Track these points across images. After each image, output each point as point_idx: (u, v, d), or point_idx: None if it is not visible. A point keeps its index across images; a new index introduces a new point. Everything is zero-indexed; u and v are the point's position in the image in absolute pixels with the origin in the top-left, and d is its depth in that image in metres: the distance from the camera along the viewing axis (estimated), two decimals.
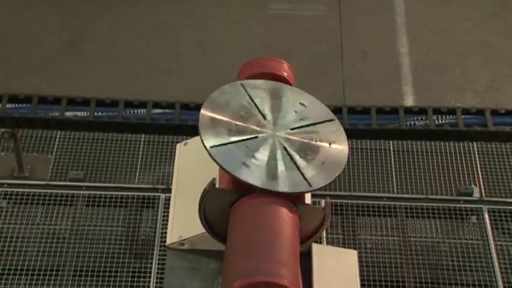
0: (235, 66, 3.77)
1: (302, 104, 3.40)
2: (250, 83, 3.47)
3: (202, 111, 3.31)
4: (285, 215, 3.09)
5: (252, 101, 3.39)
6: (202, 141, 3.21)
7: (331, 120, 3.36)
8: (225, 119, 3.29)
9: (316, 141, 3.23)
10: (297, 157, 3.17)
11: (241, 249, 3.02)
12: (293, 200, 3.16)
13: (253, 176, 3.08)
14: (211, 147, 3.18)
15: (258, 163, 3.14)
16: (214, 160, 3.14)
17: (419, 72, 7.23)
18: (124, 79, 6.94)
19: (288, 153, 3.19)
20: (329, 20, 7.71)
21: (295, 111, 3.35)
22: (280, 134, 3.26)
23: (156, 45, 7.45)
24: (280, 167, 3.14)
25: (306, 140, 3.24)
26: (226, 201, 3.17)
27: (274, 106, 3.38)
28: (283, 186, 3.07)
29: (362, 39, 7.50)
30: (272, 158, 3.18)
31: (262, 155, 3.18)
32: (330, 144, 3.23)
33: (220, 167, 3.14)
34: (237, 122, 3.30)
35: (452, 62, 7.31)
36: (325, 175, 3.13)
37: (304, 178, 3.10)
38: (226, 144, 3.21)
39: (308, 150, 3.19)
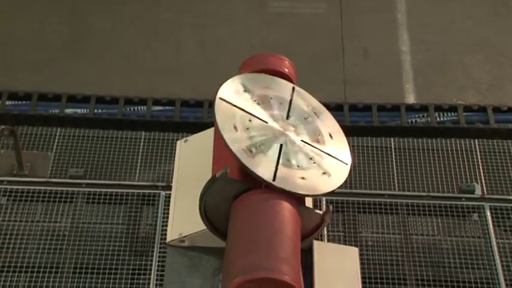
0: (236, 64, 3.76)
1: (330, 135, 3.37)
2: (302, 92, 3.48)
3: (242, 75, 3.37)
4: (287, 212, 3.07)
5: (290, 102, 3.38)
6: (220, 89, 3.23)
7: (345, 163, 3.30)
8: (253, 92, 3.30)
9: (314, 162, 3.21)
10: (284, 156, 3.14)
11: (242, 245, 3.00)
12: (296, 199, 3.14)
13: (234, 141, 3.07)
14: (220, 98, 3.19)
15: (246, 136, 3.13)
16: (214, 110, 3.15)
17: (421, 70, 7.21)
18: (124, 77, 6.93)
19: (280, 149, 3.16)
20: (330, 18, 7.69)
21: (319, 135, 3.32)
22: (288, 134, 3.24)
23: (156, 44, 7.43)
24: (263, 151, 3.11)
25: (306, 154, 3.20)
26: (232, 192, 3.13)
27: (304, 120, 3.36)
28: (252, 164, 3.04)
29: (363, 37, 7.48)
30: (262, 141, 3.16)
31: (257, 133, 3.16)
32: (324, 173, 3.20)
33: (214, 118, 3.13)
34: (260, 102, 3.30)
35: (453, 60, 7.29)
36: (292, 184, 3.07)
37: (275, 172, 3.06)
38: (234, 105, 3.22)
39: (299, 161, 3.15)
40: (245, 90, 3.33)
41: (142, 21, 7.62)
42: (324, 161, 3.21)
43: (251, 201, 3.10)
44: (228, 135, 3.09)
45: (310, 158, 3.19)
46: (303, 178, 3.11)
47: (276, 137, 3.20)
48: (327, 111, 3.48)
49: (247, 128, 3.17)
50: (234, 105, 3.24)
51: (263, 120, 3.25)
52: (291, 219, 3.06)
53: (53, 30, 7.47)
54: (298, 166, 3.13)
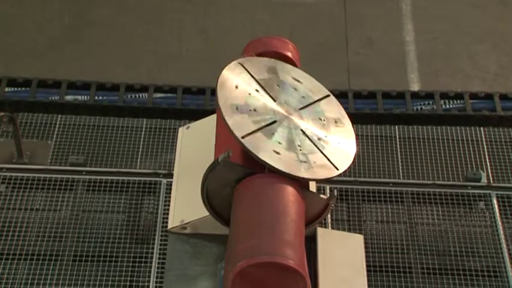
0: (239, 52, 3.72)
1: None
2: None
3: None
4: (291, 196, 3.02)
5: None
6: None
7: (328, 96, 3.29)
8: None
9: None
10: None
11: (245, 229, 2.94)
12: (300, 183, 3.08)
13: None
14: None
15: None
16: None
17: (426, 60, 7.15)
18: (125, 65, 6.88)
19: (283, 133, 3.10)
20: (334, 7, 7.63)
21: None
22: (292, 118, 3.18)
23: (158, 32, 7.39)
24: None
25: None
26: (234, 176, 3.07)
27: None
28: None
29: (367, 27, 7.43)
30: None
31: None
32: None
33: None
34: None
35: (459, 49, 7.23)
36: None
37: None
38: (238, 87, 3.17)
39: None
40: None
41: (144, 9, 7.58)
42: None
43: (254, 185, 3.05)
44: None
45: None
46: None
47: (280, 121, 3.14)
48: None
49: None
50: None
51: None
52: (295, 203, 3.01)
53: (53, 18, 7.42)
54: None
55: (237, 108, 3.09)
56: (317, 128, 3.19)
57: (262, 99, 3.20)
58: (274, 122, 3.13)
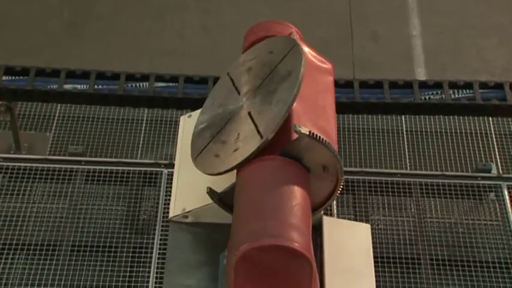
0: (240, 48, 3.64)
1: (270, 52, 3.27)
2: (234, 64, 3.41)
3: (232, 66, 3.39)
4: (296, 179, 2.92)
5: (232, 82, 3.31)
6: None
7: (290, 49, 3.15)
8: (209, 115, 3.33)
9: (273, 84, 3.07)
10: (256, 115, 3.05)
11: (248, 213, 2.86)
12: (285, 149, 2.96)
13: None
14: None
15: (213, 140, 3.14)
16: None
17: (432, 54, 7.09)
18: (126, 61, 6.80)
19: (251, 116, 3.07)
20: (338, 1, 7.57)
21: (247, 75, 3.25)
22: (247, 101, 3.14)
23: (159, 27, 7.33)
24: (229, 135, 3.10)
25: (264, 94, 3.09)
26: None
27: (254, 72, 3.26)
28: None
29: (372, 21, 7.37)
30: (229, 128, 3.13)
31: (226, 130, 3.13)
32: (287, 75, 3.03)
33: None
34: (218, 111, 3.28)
35: (466, 44, 7.18)
36: (272, 119, 2.95)
37: (258, 132, 2.97)
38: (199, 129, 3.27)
39: (266, 103, 3.04)
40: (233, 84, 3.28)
41: (145, 4, 7.52)
42: (279, 70, 3.06)
43: (257, 168, 2.97)
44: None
45: (269, 89, 3.05)
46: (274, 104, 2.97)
47: (233, 116, 3.14)
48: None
49: (214, 135, 3.18)
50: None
51: (223, 109, 3.21)
52: (300, 186, 2.91)
53: (53, 14, 7.36)
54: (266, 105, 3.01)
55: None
56: (262, 103, 3.08)
57: (228, 102, 3.22)
58: (227, 121, 3.14)
